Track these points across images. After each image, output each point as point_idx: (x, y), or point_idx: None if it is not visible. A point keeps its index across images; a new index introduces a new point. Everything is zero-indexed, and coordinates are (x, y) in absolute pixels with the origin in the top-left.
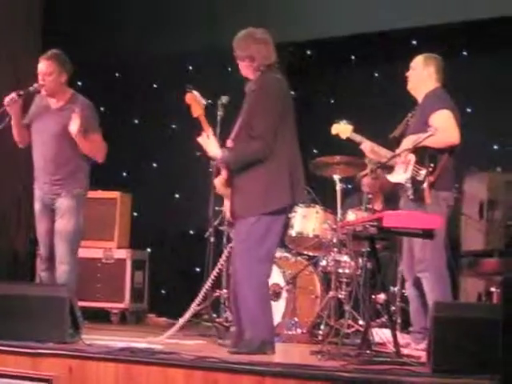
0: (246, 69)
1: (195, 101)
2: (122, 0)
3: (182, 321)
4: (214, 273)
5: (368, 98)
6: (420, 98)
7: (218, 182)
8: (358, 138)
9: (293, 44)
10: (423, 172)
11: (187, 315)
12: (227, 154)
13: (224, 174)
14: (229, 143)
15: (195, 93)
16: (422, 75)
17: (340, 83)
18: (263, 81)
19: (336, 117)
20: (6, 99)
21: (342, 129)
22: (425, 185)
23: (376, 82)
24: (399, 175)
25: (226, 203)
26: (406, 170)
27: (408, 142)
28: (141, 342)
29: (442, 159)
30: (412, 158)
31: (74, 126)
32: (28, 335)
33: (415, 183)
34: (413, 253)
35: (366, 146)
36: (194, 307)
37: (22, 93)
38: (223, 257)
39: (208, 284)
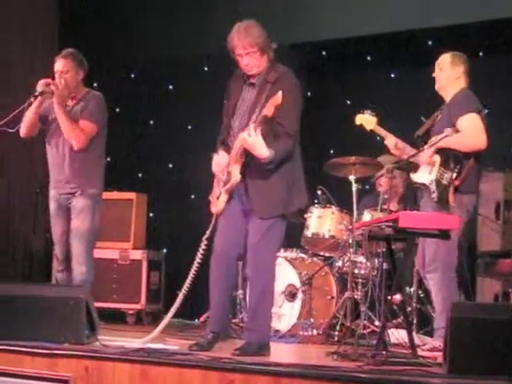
0: (256, 61)
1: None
2: (138, 1)
3: (166, 319)
4: (195, 267)
5: (384, 99)
6: (448, 98)
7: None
8: (382, 131)
9: (309, 44)
10: (448, 175)
11: (170, 314)
12: (273, 154)
13: (237, 176)
14: (246, 134)
15: None
16: (451, 76)
17: (356, 84)
18: (286, 74)
19: (352, 118)
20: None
21: (367, 119)
22: (450, 188)
23: (392, 83)
24: (424, 176)
25: (224, 198)
26: (431, 172)
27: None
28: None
29: (468, 163)
30: (437, 159)
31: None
32: (44, 336)
33: (440, 186)
34: (425, 253)
35: (391, 141)
36: (177, 304)
37: (36, 94)
38: (200, 250)
39: (189, 280)
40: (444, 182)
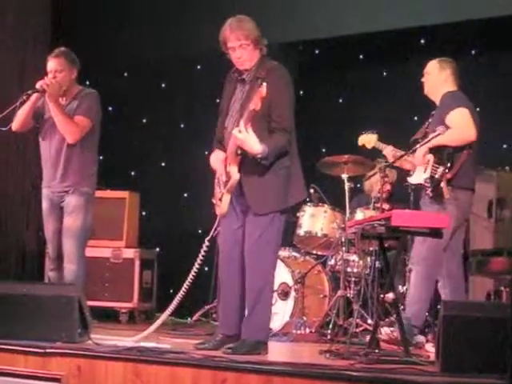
0: (248, 54)
1: None
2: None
3: (161, 319)
4: (195, 269)
5: (376, 98)
6: (438, 101)
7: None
8: (380, 145)
9: (301, 43)
10: (441, 169)
11: (167, 313)
12: (266, 149)
13: (236, 174)
14: (236, 130)
15: None
16: (440, 79)
17: (348, 82)
18: (276, 69)
19: (344, 116)
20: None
21: (368, 139)
22: (442, 181)
23: (384, 81)
24: (419, 176)
25: (227, 199)
26: (426, 171)
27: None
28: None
29: (460, 157)
30: (431, 158)
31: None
32: (37, 335)
33: (434, 181)
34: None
35: (388, 152)
36: (173, 305)
37: (30, 92)
38: (202, 252)
39: (189, 280)
40: (437, 176)
